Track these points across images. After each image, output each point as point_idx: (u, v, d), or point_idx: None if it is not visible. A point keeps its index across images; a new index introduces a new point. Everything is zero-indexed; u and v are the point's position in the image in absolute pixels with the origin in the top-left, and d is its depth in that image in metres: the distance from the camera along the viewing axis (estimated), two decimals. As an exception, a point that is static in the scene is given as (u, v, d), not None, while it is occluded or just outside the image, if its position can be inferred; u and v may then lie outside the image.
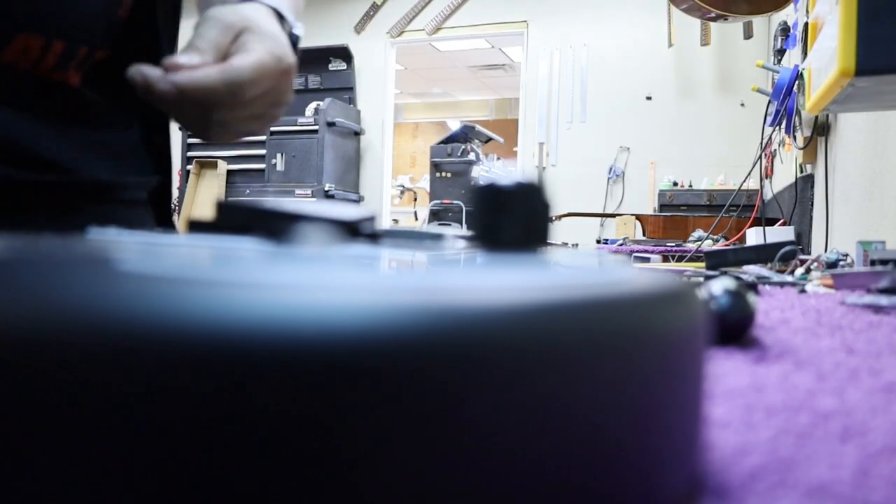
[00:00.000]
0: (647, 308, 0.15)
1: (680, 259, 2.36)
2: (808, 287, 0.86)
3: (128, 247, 0.20)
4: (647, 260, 2.43)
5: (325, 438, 0.10)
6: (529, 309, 0.12)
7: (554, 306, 0.13)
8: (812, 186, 2.53)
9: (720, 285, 0.40)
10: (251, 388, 0.10)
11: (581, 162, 5.08)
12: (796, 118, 2.28)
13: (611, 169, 5.02)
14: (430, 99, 10.07)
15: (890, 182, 1.56)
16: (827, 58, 0.96)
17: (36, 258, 0.14)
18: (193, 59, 0.52)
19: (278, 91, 0.59)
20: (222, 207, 0.25)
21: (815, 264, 1.14)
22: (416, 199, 6.60)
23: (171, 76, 0.50)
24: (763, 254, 1.13)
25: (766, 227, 2.39)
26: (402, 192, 7.09)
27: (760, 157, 2.49)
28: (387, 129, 5.76)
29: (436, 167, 5.42)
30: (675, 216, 3.63)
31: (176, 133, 5.74)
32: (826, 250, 1.56)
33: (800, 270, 1.07)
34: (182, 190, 5.48)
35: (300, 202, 0.26)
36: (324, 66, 5.68)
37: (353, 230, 0.25)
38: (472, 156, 5.29)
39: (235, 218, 0.25)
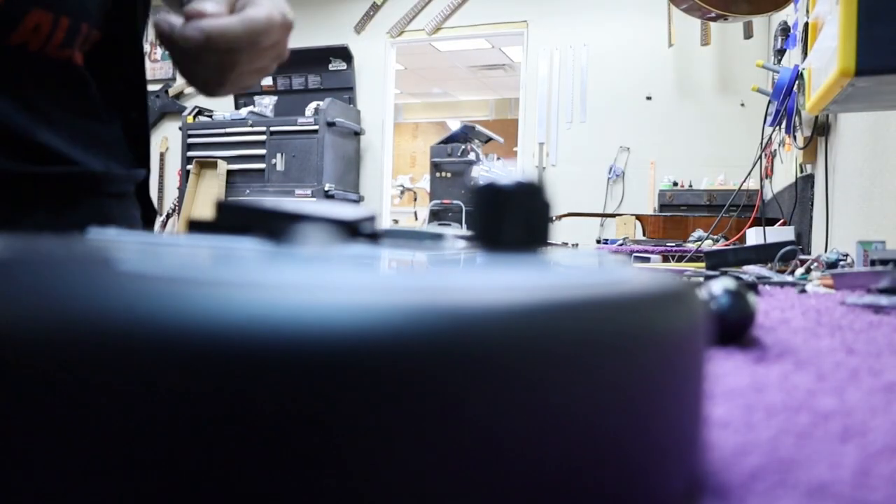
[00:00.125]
0: (648, 308, 0.15)
1: (680, 259, 2.36)
2: (808, 287, 0.86)
3: (128, 247, 0.20)
4: (647, 260, 2.43)
5: (325, 438, 0.10)
6: (529, 309, 0.12)
7: (554, 306, 0.13)
8: (812, 186, 2.53)
9: (720, 285, 0.40)
10: (251, 388, 0.10)
11: (581, 162, 5.08)
12: (796, 118, 2.28)
13: (611, 169, 5.02)
14: (430, 99, 10.07)
15: (890, 182, 1.56)
16: (827, 58, 0.96)
17: (36, 258, 0.14)
18: (216, 7, 0.54)
19: (282, 45, 0.62)
20: (222, 207, 0.25)
21: (815, 264, 1.14)
22: (416, 199, 6.60)
23: (198, 23, 0.52)
24: (763, 254, 1.13)
25: (766, 227, 2.39)
26: (402, 192, 7.09)
27: (760, 157, 2.49)
28: (387, 129, 5.76)
29: (436, 167, 5.42)
30: (675, 216, 3.63)
31: (176, 133, 5.74)
32: (826, 250, 1.56)
33: (800, 270, 1.07)
34: (182, 190, 5.48)
35: (300, 202, 0.26)
36: (324, 66, 5.68)
37: (353, 230, 0.25)
38: (472, 156, 5.29)
39: (235, 218, 0.25)
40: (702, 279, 0.58)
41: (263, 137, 5.32)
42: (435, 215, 5.29)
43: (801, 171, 2.67)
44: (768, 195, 3.04)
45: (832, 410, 0.25)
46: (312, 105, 5.33)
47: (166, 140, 6.00)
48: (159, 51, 6.12)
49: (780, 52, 2.72)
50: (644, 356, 0.14)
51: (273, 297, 0.10)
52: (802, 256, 1.23)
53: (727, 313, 0.40)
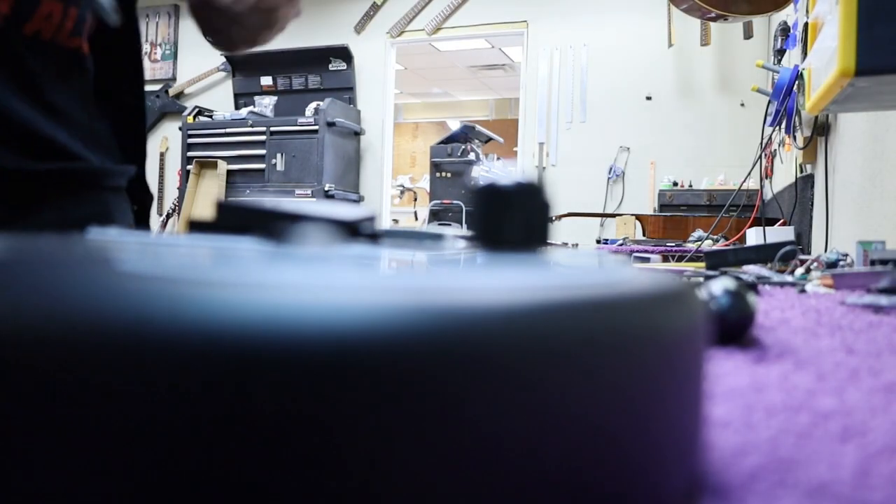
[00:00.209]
0: (647, 308, 0.15)
1: (680, 259, 2.36)
2: (808, 287, 0.86)
3: (128, 247, 0.20)
4: (647, 260, 2.43)
5: (325, 438, 0.10)
6: (529, 309, 0.12)
7: (553, 306, 0.13)
8: (812, 186, 2.53)
9: (720, 285, 0.40)
10: (250, 388, 0.10)
11: (581, 162, 5.08)
12: (796, 118, 2.28)
13: (611, 169, 5.02)
14: (430, 99, 10.07)
15: (890, 182, 1.56)
16: (827, 58, 0.96)
17: (36, 258, 0.14)
18: None
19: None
20: (222, 207, 0.25)
21: (815, 264, 1.14)
22: (416, 199, 6.60)
23: None
24: (763, 254, 1.13)
25: (766, 227, 2.39)
26: (402, 192, 7.09)
27: (760, 157, 2.49)
28: (387, 129, 5.76)
29: (436, 167, 5.42)
30: (675, 216, 3.63)
31: (176, 133, 5.73)
32: (826, 250, 1.56)
33: (800, 270, 1.07)
34: (182, 190, 5.48)
35: (300, 202, 0.26)
36: (324, 66, 5.68)
37: (353, 230, 0.25)
38: (472, 156, 5.29)
39: (235, 218, 0.25)
40: (702, 279, 0.58)
41: (263, 137, 5.32)
42: (435, 215, 5.29)
43: (801, 171, 2.67)
44: (768, 195, 3.04)
45: (832, 410, 0.25)
46: (312, 105, 5.33)
47: (166, 140, 6.00)
48: (159, 51, 6.12)
49: (780, 52, 2.72)
50: (644, 356, 0.14)
51: (273, 297, 0.10)
52: (802, 256, 1.23)
53: (727, 313, 0.40)
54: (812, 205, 2.51)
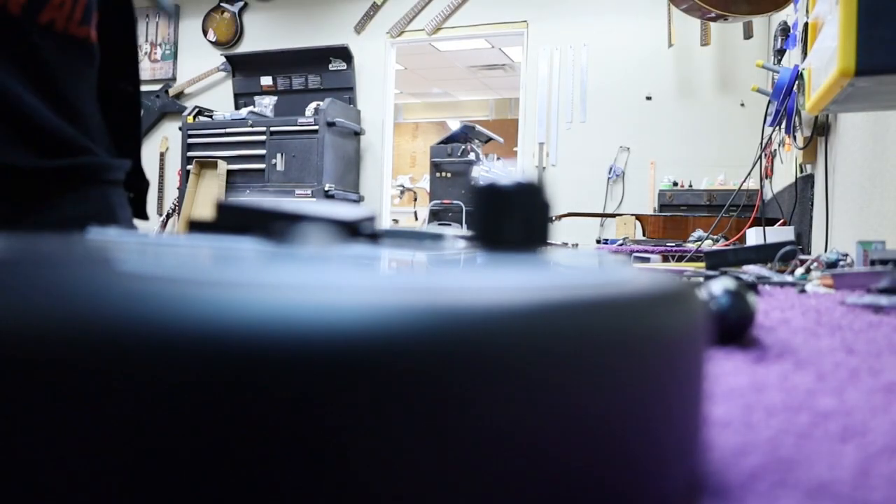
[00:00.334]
0: (648, 308, 0.15)
1: (680, 259, 2.36)
2: (808, 287, 0.86)
3: (128, 247, 0.20)
4: (647, 260, 2.43)
5: (325, 438, 0.10)
6: (529, 309, 0.12)
7: (553, 307, 0.13)
8: (812, 186, 2.53)
9: (720, 285, 0.40)
10: (251, 388, 0.10)
11: (581, 162, 5.08)
12: (796, 118, 2.28)
13: (611, 169, 5.02)
14: (430, 99, 10.07)
15: (890, 182, 1.56)
16: (827, 58, 0.96)
17: (36, 258, 0.14)
18: None
19: None
20: (222, 207, 0.25)
21: (815, 264, 1.14)
22: (416, 199, 6.60)
23: None
24: (763, 254, 1.13)
25: (766, 227, 2.39)
26: (402, 192, 7.09)
27: (760, 157, 2.49)
28: (387, 129, 5.76)
29: (436, 167, 5.42)
30: (675, 216, 3.63)
31: (176, 133, 5.73)
32: (826, 250, 1.56)
33: (800, 270, 1.07)
34: (182, 190, 5.48)
35: (300, 202, 0.26)
36: (324, 66, 5.68)
37: (353, 230, 0.25)
38: (472, 156, 5.29)
39: (235, 218, 0.25)
40: (702, 279, 0.58)
41: (263, 137, 5.32)
42: (435, 215, 5.29)
43: (801, 171, 2.67)
44: (768, 195, 3.04)
45: (832, 410, 0.25)
46: (312, 105, 5.33)
47: (166, 140, 6.00)
48: (159, 51, 6.12)
49: (780, 52, 2.72)
50: (644, 356, 0.14)
51: (273, 297, 0.10)
52: (802, 256, 1.23)
53: (727, 313, 0.40)
54: (812, 205, 2.51)
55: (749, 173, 2.43)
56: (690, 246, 2.65)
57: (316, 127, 5.21)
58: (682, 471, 0.16)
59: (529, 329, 0.12)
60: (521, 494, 0.12)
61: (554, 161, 5.17)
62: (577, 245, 3.83)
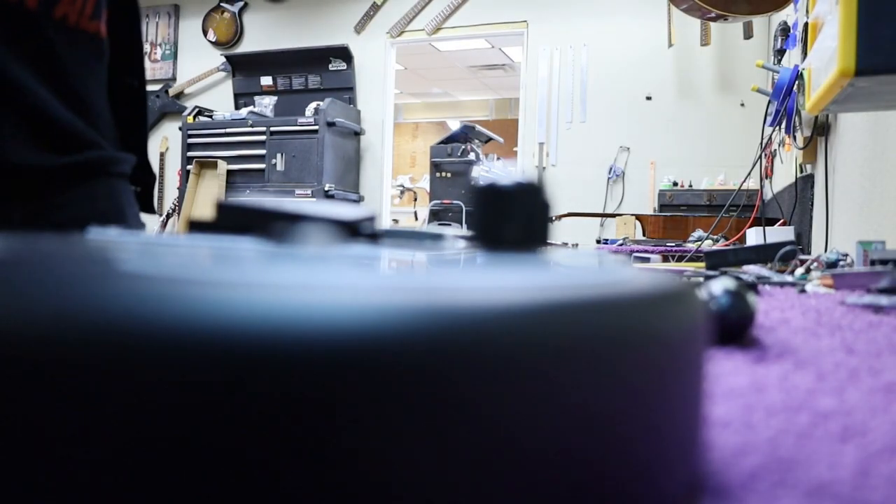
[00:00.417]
0: (647, 308, 0.15)
1: (680, 259, 2.36)
2: (808, 287, 0.86)
3: (128, 247, 0.20)
4: (647, 260, 2.43)
5: (325, 438, 0.10)
6: (528, 309, 0.12)
7: (553, 307, 0.13)
8: (812, 186, 2.53)
9: (720, 285, 0.40)
10: (252, 388, 0.10)
11: (581, 162, 5.08)
12: (796, 118, 2.28)
13: (611, 169, 5.02)
14: (430, 99, 10.07)
15: (890, 182, 1.56)
16: (827, 58, 0.96)
17: (37, 258, 0.14)
18: None
19: None
20: (222, 207, 0.25)
21: (815, 264, 1.14)
22: (416, 199, 6.60)
23: None
24: (763, 254, 1.13)
25: (766, 227, 2.39)
26: (402, 192, 7.09)
27: (760, 157, 2.49)
28: (387, 129, 5.75)
29: (436, 167, 5.42)
30: (675, 216, 3.63)
31: (176, 133, 5.73)
32: (826, 250, 1.56)
33: (800, 270, 1.07)
34: (182, 190, 5.48)
35: (300, 202, 0.26)
36: (324, 66, 5.68)
37: (353, 230, 0.25)
38: (472, 156, 5.29)
39: (235, 218, 0.25)
40: (702, 279, 0.58)
41: (263, 137, 5.32)
42: (435, 215, 5.29)
43: (801, 171, 2.67)
44: (768, 195, 3.04)
45: (832, 410, 0.25)
46: (312, 105, 5.33)
47: (166, 140, 6.00)
48: (159, 51, 6.12)
49: (780, 52, 2.72)
50: (644, 356, 0.14)
51: (273, 297, 0.10)
52: (802, 256, 1.23)
53: (727, 313, 0.40)
54: (812, 205, 2.51)
55: (749, 173, 2.43)
56: (690, 246, 2.65)
57: (316, 127, 5.21)
58: (682, 471, 0.16)
59: (529, 329, 0.12)
60: (521, 494, 0.12)
61: (554, 161, 5.17)
62: (577, 245, 3.83)
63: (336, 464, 0.10)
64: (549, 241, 0.23)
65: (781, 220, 2.83)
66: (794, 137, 2.45)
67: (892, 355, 0.38)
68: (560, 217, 3.75)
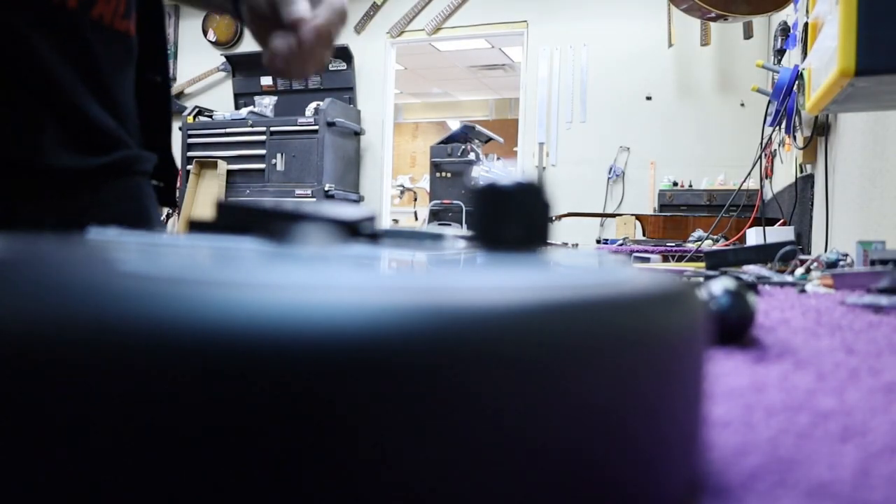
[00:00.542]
0: (648, 308, 0.15)
1: (680, 259, 2.36)
2: (808, 287, 0.86)
3: (128, 247, 0.20)
4: (647, 260, 2.43)
5: (325, 438, 0.10)
6: (528, 310, 0.12)
7: (553, 307, 0.13)
8: (812, 186, 2.53)
9: (720, 285, 0.40)
10: (252, 388, 0.10)
11: (581, 162, 5.08)
12: (796, 118, 2.28)
13: (611, 169, 5.02)
14: (430, 99, 10.07)
15: (890, 182, 1.56)
16: (827, 58, 0.96)
17: (37, 258, 0.14)
18: (307, 7, 0.58)
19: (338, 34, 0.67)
20: (222, 207, 0.25)
21: (815, 264, 1.14)
22: (416, 199, 6.60)
23: (307, 25, 0.56)
24: (763, 254, 1.13)
25: (766, 227, 2.39)
26: (402, 192, 7.09)
27: (760, 157, 2.49)
28: (387, 129, 5.76)
29: (436, 167, 5.42)
30: (675, 216, 3.63)
31: (176, 133, 5.73)
32: (826, 250, 1.56)
33: (800, 270, 1.07)
34: (182, 190, 5.48)
35: (300, 202, 0.26)
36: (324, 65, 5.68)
37: (353, 230, 0.25)
38: (472, 156, 5.29)
39: (235, 218, 0.25)
40: (702, 279, 0.58)
41: (263, 137, 5.32)
42: (435, 215, 5.29)
43: (801, 171, 2.67)
44: (768, 195, 3.04)
45: (832, 410, 0.25)
46: (312, 105, 5.33)
47: (166, 140, 6.00)
48: (159, 51, 6.12)
49: (780, 52, 2.72)
50: (644, 356, 0.14)
51: (273, 297, 0.10)
52: (802, 256, 1.23)
53: (727, 313, 0.40)
54: (812, 205, 2.51)
55: (749, 173, 2.43)
56: (690, 246, 2.65)
57: (316, 127, 5.21)
58: (682, 470, 0.16)
59: (529, 329, 0.12)
60: (521, 493, 0.12)
61: (554, 161, 5.17)
62: (577, 245, 3.83)
63: (338, 464, 0.10)
64: (549, 241, 0.23)
65: (781, 220, 2.83)
66: (794, 137, 2.46)
67: (892, 355, 0.38)
68: (560, 217, 3.75)
